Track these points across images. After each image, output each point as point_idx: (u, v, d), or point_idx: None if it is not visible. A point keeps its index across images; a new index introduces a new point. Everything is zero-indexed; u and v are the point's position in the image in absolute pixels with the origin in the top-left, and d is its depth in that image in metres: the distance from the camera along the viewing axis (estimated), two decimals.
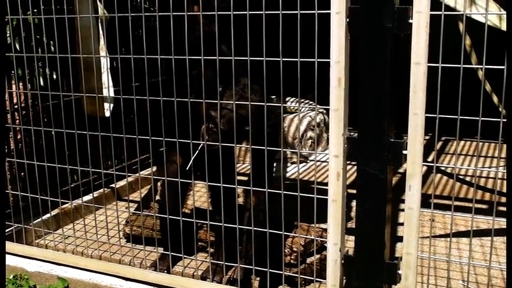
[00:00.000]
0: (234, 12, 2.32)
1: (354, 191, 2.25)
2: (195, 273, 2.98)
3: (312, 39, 2.16)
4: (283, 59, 2.27)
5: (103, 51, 3.57)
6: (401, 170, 3.55)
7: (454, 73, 2.02)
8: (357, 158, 2.20)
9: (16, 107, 3.44)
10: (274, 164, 3.01)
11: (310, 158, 5.33)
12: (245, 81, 2.61)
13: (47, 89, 3.15)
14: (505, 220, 3.01)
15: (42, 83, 3.57)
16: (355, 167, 2.22)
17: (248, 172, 2.89)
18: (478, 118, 2.02)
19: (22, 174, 3.43)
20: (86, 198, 3.51)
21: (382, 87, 2.08)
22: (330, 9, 2.11)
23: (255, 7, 2.28)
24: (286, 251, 2.89)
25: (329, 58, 2.14)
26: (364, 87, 2.12)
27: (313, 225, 2.90)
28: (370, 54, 2.09)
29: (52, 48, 3.59)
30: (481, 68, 2.17)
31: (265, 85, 2.42)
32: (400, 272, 2.22)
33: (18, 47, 3.38)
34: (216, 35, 2.46)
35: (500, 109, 2.41)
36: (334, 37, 2.12)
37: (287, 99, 5.70)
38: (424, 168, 2.12)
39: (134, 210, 3.54)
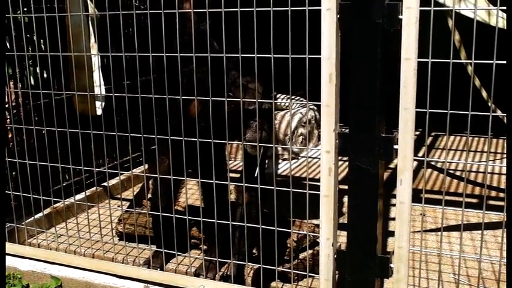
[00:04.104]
0: (225, 10, 2.33)
1: (346, 187, 2.27)
2: (188, 270, 2.98)
3: (303, 35, 2.17)
4: (275, 55, 2.28)
5: (94, 50, 3.57)
6: (392, 166, 3.58)
7: (444, 69, 2.05)
8: (348, 153, 2.22)
9: (7, 106, 3.42)
10: (266, 161, 3.02)
11: (302, 154, 5.34)
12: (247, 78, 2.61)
13: (38, 88, 3.14)
14: (495, 213, 3.06)
15: (33, 82, 3.56)
16: (347, 163, 2.25)
17: (240, 169, 2.90)
18: (467, 113, 2.05)
19: (14, 173, 3.42)
20: (79, 196, 3.50)
21: (373, 83, 2.10)
22: (320, 6, 2.13)
23: (246, 4, 2.29)
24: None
25: (320, 54, 2.16)
26: (355, 82, 2.14)
27: (305, 220, 2.92)
28: (361, 50, 2.10)
29: (42, 46, 3.58)
30: (470, 64, 2.19)
31: (256, 82, 2.43)
32: (392, 265, 2.24)
33: (8, 46, 3.36)
34: (207, 33, 2.47)
35: (490, 104, 2.44)
36: (325, 33, 2.13)
37: (277, 96, 5.71)
38: (415, 163, 2.14)
39: (127, 208, 3.54)
